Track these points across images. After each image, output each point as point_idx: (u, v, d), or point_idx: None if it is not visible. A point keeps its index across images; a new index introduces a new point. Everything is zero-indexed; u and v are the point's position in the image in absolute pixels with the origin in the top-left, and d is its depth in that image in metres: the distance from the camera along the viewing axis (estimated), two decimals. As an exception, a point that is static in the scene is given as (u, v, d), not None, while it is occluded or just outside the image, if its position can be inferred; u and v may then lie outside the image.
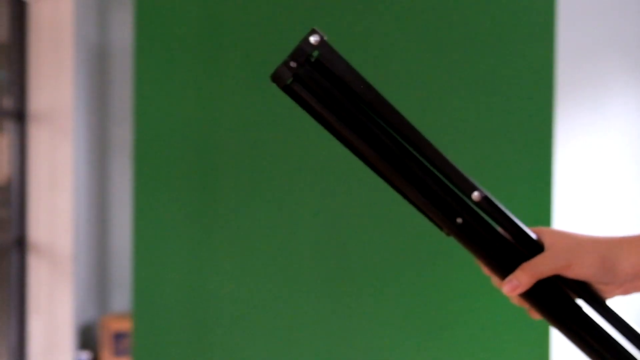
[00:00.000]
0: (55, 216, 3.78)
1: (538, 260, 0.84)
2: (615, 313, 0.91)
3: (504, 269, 0.85)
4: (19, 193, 3.77)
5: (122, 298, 4.12)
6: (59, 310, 3.79)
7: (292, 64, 0.89)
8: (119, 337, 3.83)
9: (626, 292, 0.91)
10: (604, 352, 0.87)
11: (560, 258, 0.84)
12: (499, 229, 0.86)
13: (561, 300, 0.86)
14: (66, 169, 3.77)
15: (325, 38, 0.90)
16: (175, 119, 2.36)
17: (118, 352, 3.83)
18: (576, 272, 0.84)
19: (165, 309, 2.37)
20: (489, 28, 2.32)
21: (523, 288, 0.84)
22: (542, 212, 2.28)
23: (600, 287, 0.88)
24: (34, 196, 3.78)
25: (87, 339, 3.97)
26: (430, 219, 0.88)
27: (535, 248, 0.85)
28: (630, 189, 2.07)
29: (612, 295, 0.91)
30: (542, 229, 0.87)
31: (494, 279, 0.88)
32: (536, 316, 0.88)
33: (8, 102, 3.82)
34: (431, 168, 0.87)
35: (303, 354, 2.37)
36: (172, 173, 2.36)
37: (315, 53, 0.91)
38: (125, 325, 3.80)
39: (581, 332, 0.87)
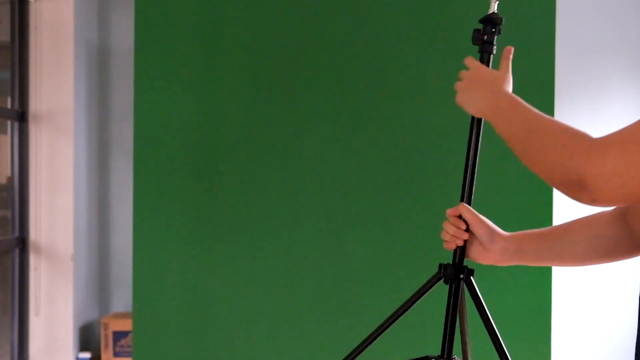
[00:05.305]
0: (55, 216, 3.78)
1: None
2: None
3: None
4: (19, 193, 3.77)
5: (122, 298, 4.12)
6: (59, 310, 3.79)
7: None
8: (119, 337, 3.83)
9: (496, 261, 1.49)
10: None
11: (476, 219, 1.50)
12: None
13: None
14: (66, 169, 3.77)
15: None
16: (175, 119, 2.36)
17: (118, 352, 3.83)
18: (476, 229, 1.48)
19: (165, 309, 2.36)
20: (489, 28, 2.31)
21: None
22: (542, 212, 2.29)
23: (481, 251, 1.49)
24: (34, 196, 3.78)
25: (87, 339, 3.97)
26: None
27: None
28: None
29: (487, 260, 1.49)
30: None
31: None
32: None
33: (8, 102, 3.82)
34: None
35: (302, 353, 2.37)
36: (172, 173, 2.36)
37: None
38: (125, 325, 3.80)
39: None
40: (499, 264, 1.50)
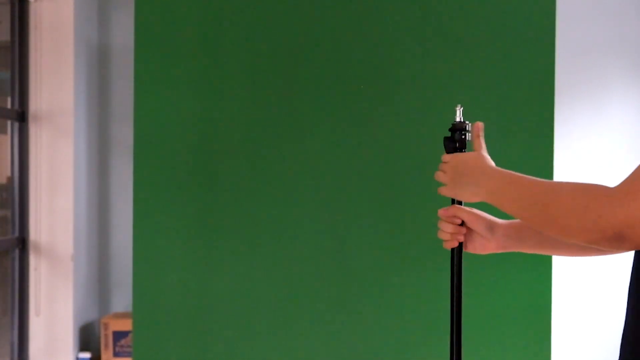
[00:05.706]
0: (55, 216, 3.78)
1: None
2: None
3: None
4: (19, 193, 3.77)
5: (122, 298, 4.12)
6: (59, 310, 3.79)
7: None
8: (119, 337, 3.83)
9: (497, 249, 1.50)
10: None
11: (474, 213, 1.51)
12: None
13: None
14: (66, 169, 3.77)
15: None
16: (175, 119, 2.36)
17: (118, 352, 3.83)
18: (474, 225, 1.49)
19: (165, 309, 2.37)
20: (490, 31, 2.32)
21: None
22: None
23: (482, 243, 1.50)
24: (34, 196, 3.78)
25: (87, 339, 3.97)
26: None
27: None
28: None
29: (487, 250, 1.51)
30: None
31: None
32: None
33: (8, 102, 3.82)
34: None
35: (302, 353, 2.37)
36: (172, 173, 2.36)
37: None
38: (125, 325, 3.80)
39: None
40: (499, 252, 1.51)
